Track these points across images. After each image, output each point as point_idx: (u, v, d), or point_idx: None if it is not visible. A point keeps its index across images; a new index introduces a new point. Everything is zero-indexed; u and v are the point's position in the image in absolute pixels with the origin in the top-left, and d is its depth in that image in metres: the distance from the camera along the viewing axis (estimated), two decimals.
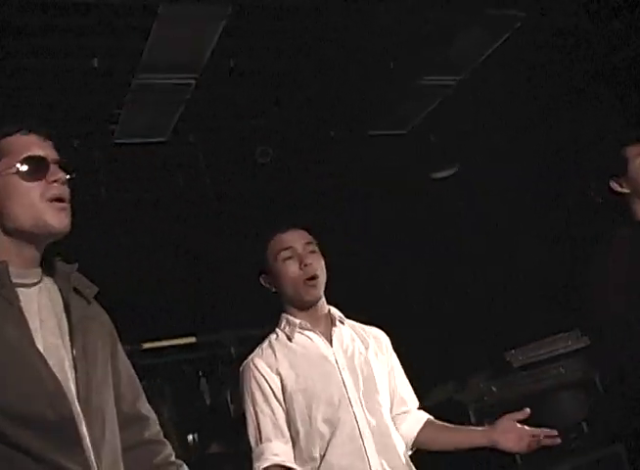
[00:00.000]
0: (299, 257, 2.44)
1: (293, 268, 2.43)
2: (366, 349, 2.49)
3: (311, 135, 5.97)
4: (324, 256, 2.54)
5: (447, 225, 6.53)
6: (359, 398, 2.33)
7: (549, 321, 4.85)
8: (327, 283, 2.50)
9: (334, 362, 2.39)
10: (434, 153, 6.20)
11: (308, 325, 2.45)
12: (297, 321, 2.46)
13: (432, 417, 2.56)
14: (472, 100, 5.72)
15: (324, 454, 2.26)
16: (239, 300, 6.18)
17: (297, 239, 2.50)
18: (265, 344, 2.48)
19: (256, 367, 2.38)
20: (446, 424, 2.51)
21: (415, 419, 2.53)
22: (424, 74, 5.47)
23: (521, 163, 6.04)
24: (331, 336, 2.46)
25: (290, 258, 2.44)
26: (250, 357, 2.44)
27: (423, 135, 6.13)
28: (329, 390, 2.32)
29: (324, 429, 2.27)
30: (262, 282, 2.54)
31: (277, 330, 2.51)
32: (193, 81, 4.90)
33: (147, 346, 5.40)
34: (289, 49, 4.92)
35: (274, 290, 2.52)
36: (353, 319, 2.63)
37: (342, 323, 2.53)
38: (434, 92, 5.73)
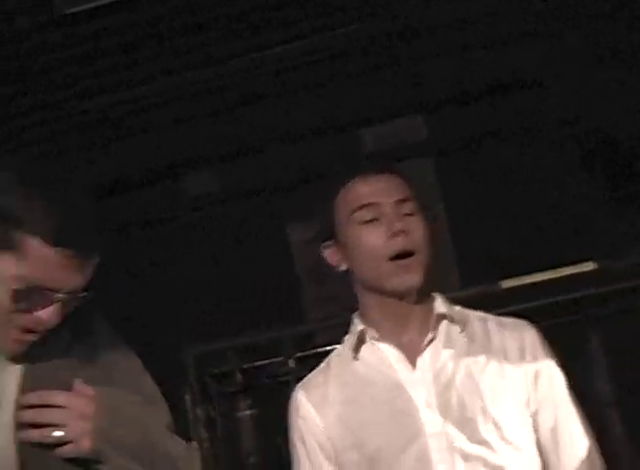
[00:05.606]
0: (388, 219, 1.55)
1: (374, 237, 1.55)
2: (489, 364, 1.54)
3: None
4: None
5: None
6: (451, 452, 1.46)
7: None
8: None
9: (413, 397, 1.51)
10: None
11: (377, 335, 1.57)
12: (360, 328, 1.59)
13: None
14: None
15: None
16: None
17: (384, 192, 1.57)
18: (325, 362, 1.67)
19: (299, 406, 1.61)
20: None
21: None
22: None
23: None
24: (421, 349, 1.55)
25: (371, 221, 1.56)
26: (300, 383, 1.67)
27: None
28: (399, 444, 1.48)
29: None
30: (326, 256, 1.64)
31: (345, 338, 1.67)
32: None
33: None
34: None
35: (344, 268, 1.61)
36: None
37: (460, 326, 1.58)
38: None
